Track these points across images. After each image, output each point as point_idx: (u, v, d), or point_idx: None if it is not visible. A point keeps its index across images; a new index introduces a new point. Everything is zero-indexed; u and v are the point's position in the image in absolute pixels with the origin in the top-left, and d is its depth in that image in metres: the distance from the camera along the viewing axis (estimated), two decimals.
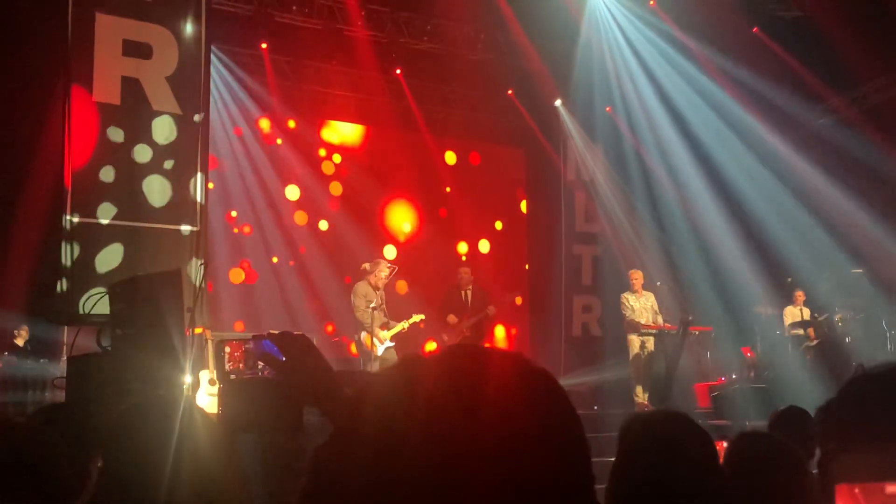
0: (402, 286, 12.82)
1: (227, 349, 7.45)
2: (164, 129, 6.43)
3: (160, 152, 6.42)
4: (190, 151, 6.52)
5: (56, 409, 3.26)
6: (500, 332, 13.71)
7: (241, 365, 7.47)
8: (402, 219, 13.65)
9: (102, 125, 6.12)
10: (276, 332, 1.70)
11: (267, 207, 12.53)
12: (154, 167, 6.38)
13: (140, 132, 6.34)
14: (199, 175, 6.54)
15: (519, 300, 11.82)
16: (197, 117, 6.55)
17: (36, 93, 9.12)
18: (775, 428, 3.54)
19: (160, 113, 6.45)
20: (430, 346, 11.90)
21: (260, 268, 12.43)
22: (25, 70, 9.50)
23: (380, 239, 13.12)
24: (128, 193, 6.25)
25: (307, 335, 1.71)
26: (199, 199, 6.58)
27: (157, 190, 6.36)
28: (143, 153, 6.36)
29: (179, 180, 6.50)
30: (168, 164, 6.47)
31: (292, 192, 12.88)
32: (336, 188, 13.21)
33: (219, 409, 4.39)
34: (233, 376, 7.54)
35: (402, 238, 13.61)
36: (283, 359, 1.62)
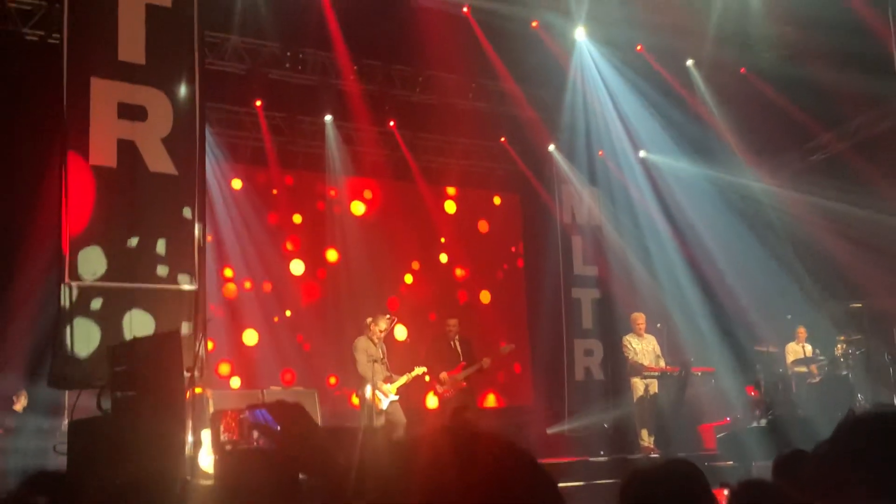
0: (402, 336, 12.77)
1: (223, 423, 7.46)
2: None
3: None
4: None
5: (44, 478, 3.24)
6: (501, 377, 13.62)
7: (235, 435, 7.44)
8: (401, 269, 13.65)
9: (98, 188, 6.16)
10: (272, 401, 1.72)
11: (264, 261, 12.53)
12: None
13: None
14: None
15: (512, 347, 11.76)
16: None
17: (32, 158, 9.21)
18: (779, 473, 3.50)
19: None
20: (432, 398, 11.80)
21: (258, 322, 12.36)
22: (22, 135, 9.61)
23: (379, 290, 13.08)
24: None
25: (302, 402, 1.73)
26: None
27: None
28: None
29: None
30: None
31: (291, 245, 12.91)
32: (334, 240, 13.23)
33: (215, 481, 4.38)
34: (228, 447, 7.50)
35: (401, 289, 13.59)
36: (278, 428, 1.63)
